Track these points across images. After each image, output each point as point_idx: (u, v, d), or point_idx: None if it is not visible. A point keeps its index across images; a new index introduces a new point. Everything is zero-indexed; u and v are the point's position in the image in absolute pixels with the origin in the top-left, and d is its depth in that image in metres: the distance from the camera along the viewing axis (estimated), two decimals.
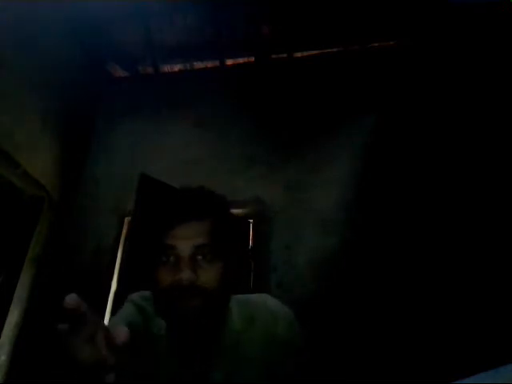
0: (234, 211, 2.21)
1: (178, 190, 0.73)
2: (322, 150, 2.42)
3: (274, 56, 2.84)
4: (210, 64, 2.96)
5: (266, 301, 0.75)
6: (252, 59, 2.89)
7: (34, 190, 2.29)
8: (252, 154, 2.51)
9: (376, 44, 2.66)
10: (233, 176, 2.44)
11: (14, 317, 2.14)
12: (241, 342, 0.68)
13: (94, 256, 2.37)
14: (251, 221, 2.32)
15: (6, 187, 2.13)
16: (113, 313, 2.13)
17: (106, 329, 0.41)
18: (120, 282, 1.95)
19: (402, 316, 1.82)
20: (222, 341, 0.68)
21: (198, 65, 2.99)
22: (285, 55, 2.82)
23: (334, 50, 2.73)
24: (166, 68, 3.02)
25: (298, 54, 2.82)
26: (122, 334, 0.41)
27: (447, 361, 1.57)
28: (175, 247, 0.63)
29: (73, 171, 2.64)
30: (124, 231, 2.43)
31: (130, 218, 2.29)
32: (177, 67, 3.02)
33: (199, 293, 0.61)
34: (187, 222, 0.65)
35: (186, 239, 0.64)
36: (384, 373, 1.70)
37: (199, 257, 0.64)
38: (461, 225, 1.86)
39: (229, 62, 2.93)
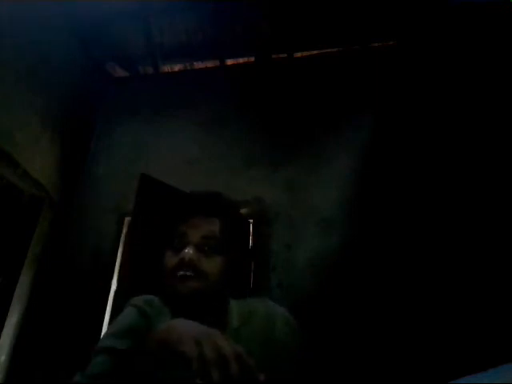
0: None
1: (196, 191, 0.81)
2: (322, 149, 2.42)
3: (274, 56, 2.84)
4: (210, 64, 2.96)
5: (263, 302, 0.77)
6: (252, 59, 2.89)
7: (33, 189, 2.29)
8: (252, 154, 2.51)
9: (376, 44, 2.67)
10: (233, 176, 2.44)
11: (14, 317, 2.15)
12: (239, 340, 0.69)
13: (94, 256, 2.37)
14: (251, 221, 2.32)
15: (5, 187, 2.13)
16: (113, 313, 2.14)
17: None
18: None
19: (401, 316, 1.82)
20: None
21: (198, 65, 2.99)
22: (285, 55, 2.82)
23: (334, 49, 2.73)
24: (166, 68, 3.02)
25: (298, 54, 2.82)
26: None
27: (447, 361, 1.57)
28: (186, 234, 0.71)
29: (73, 171, 2.65)
30: (124, 231, 2.43)
31: (130, 218, 2.29)
32: (177, 67, 3.03)
33: (200, 275, 0.67)
34: (201, 216, 0.74)
35: (197, 228, 0.72)
36: (384, 373, 1.70)
37: (205, 247, 0.70)
38: (461, 226, 1.86)
39: (229, 61, 2.93)
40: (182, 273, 0.67)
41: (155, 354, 0.54)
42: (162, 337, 0.54)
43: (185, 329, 0.52)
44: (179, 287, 0.66)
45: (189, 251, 0.68)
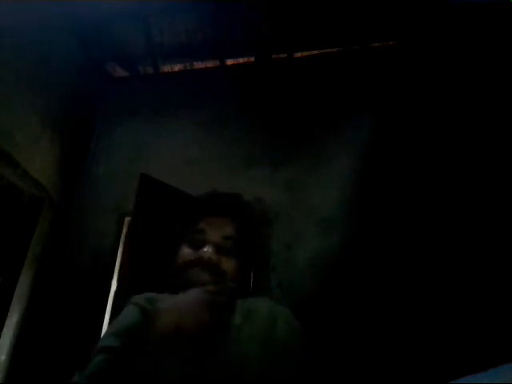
0: None
1: (217, 191, 0.83)
2: (322, 149, 2.42)
3: (274, 56, 2.84)
4: (210, 64, 2.96)
5: (265, 301, 0.78)
6: (252, 59, 2.89)
7: (33, 190, 2.29)
8: (252, 154, 2.51)
9: (376, 44, 2.66)
10: (233, 176, 2.44)
11: (14, 317, 2.15)
12: (240, 338, 0.69)
13: (94, 256, 2.37)
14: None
15: (5, 187, 2.13)
16: (113, 313, 2.14)
17: None
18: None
19: (401, 315, 1.82)
20: (225, 337, 0.69)
21: (198, 65, 2.99)
22: (285, 55, 2.82)
23: (334, 49, 2.73)
24: (166, 68, 3.02)
25: (298, 54, 2.82)
26: None
27: (447, 361, 1.57)
28: (205, 232, 0.72)
29: (73, 171, 2.65)
30: (124, 231, 2.43)
31: (129, 218, 2.29)
32: (177, 67, 3.03)
33: (218, 275, 0.68)
34: (222, 216, 0.75)
35: (218, 228, 0.73)
36: (384, 373, 1.70)
37: (224, 248, 0.71)
38: (461, 225, 1.86)
39: (229, 61, 2.93)
40: (198, 269, 0.68)
41: (160, 344, 0.56)
42: (163, 321, 0.56)
43: (179, 305, 0.58)
44: (193, 278, 0.68)
45: (208, 250, 0.69)
